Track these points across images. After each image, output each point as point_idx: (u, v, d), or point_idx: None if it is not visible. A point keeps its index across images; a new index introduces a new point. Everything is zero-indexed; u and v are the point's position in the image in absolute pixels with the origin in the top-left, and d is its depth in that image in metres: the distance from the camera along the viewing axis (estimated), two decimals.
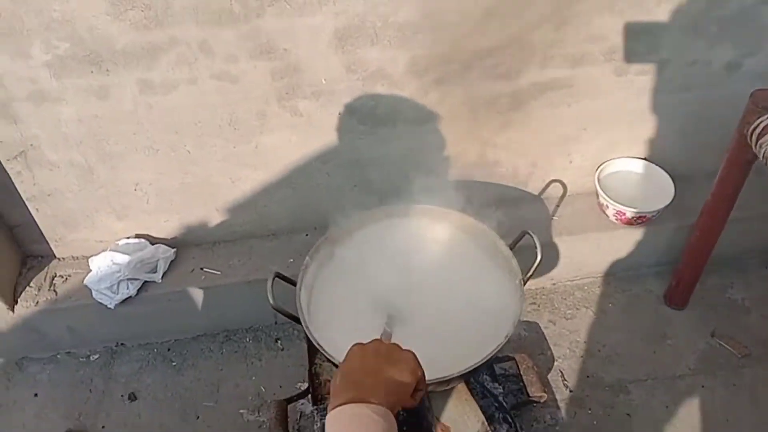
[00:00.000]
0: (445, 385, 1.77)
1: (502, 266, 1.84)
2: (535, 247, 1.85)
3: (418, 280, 1.81)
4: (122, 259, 2.27)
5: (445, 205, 1.96)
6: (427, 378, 1.23)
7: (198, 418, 2.30)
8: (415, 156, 2.36)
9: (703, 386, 2.35)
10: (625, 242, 2.59)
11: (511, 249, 1.90)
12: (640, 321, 2.57)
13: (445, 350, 1.62)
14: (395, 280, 1.77)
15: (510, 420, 2.10)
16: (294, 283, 1.77)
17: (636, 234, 2.55)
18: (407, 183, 1.96)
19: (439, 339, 1.67)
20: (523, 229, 1.91)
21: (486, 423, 1.86)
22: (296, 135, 2.18)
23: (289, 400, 1.95)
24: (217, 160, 2.21)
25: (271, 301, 1.68)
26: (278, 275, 1.82)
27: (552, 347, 2.50)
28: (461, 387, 1.88)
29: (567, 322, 2.59)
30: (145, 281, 2.34)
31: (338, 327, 1.69)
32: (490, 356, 1.61)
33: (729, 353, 2.41)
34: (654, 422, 2.23)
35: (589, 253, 2.58)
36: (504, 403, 2.15)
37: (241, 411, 2.30)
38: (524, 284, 1.82)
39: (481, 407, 1.92)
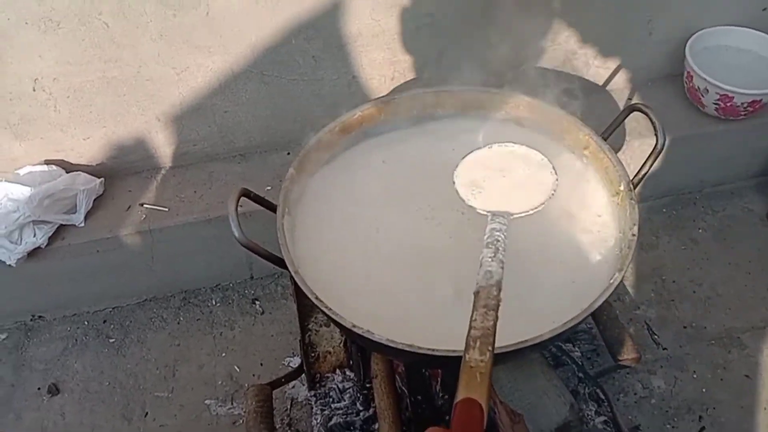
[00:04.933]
0: (516, 356, 1.19)
1: (590, 168, 1.32)
2: (654, 129, 1.21)
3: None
4: (22, 192, 1.67)
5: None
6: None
7: (146, 414, 1.76)
8: (440, 28, 1.68)
9: None
10: (723, 143, 1.98)
11: (604, 139, 1.32)
12: (742, 249, 2.01)
13: (516, 303, 1.04)
14: (431, 201, 1.29)
15: (601, 395, 1.48)
16: (273, 208, 1.23)
17: (739, 131, 1.95)
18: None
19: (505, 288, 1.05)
20: (632, 105, 1.25)
21: (576, 404, 1.30)
22: None
23: (275, 384, 1.45)
24: (150, 38, 1.60)
25: (236, 234, 1.13)
26: (247, 194, 1.22)
27: (630, 290, 1.92)
28: (535, 355, 1.36)
29: (647, 256, 1.98)
30: (61, 225, 1.78)
31: (344, 271, 1.20)
32: (594, 306, 1.04)
33: None
34: None
35: (673, 161, 1.94)
36: (588, 372, 1.51)
37: (208, 402, 1.77)
38: (635, 187, 1.22)
39: (564, 381, 1.35)
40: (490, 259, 0.95)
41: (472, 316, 0.87)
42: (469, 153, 1.17)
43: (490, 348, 0.82)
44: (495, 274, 0.92)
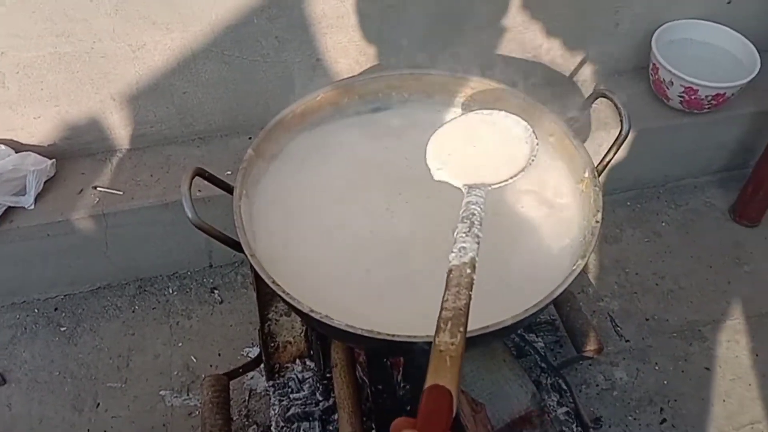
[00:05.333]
0: (477, 344, 1.18)
1: (554, 155, 1.28)
2: (620, 115, 1.19)
3: (426, 186, 1.16)
4: None
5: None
6: None
7: (98, 405, 1.69)
8: (407, 11, 1.66)
9: None
10: (687, 136, 1.98)
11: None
12: (704, 243, 2.01)
13: (477, 288, 0.99)
14: (395, 184, 1.24)
15: (564, 386, 1.47)
16: (230, 190, 1.19)
17: (703, 124, 1.94)
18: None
19: None
20: (597, 91, 1.24)
21: (537, 394, 1.29)
22: None
23: (232, 374, 1.42)
24: (104, 12, 1.53)
25: (190, 214, 1.07)
26: (201, 173, 1.16)
27: (593, 282, 1.91)
28: (498, 345, 1.35)
29: (610, 248, 1.97)
30: (9, 207, 1.70)
31: (303, 258, 1.15)
32: (557, 292, 1.00)
33: None
34: (743, 376, 1.73)
35: (637, 153, 1.93)
36: (551, 363, 1.50)
37: (163, 392, 1.71)
38: (599, 175, 1.19)
39: (526, 371, 1.34)
40: (464, 235, 0.89)
41: (443, 296, 0.81)
42: (441, 125, 1.10)
43: (461, 329, 0.77)
44: (469, 251, 0.87)
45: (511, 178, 1.00)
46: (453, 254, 0.87)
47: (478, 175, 1.01)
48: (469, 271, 0.84)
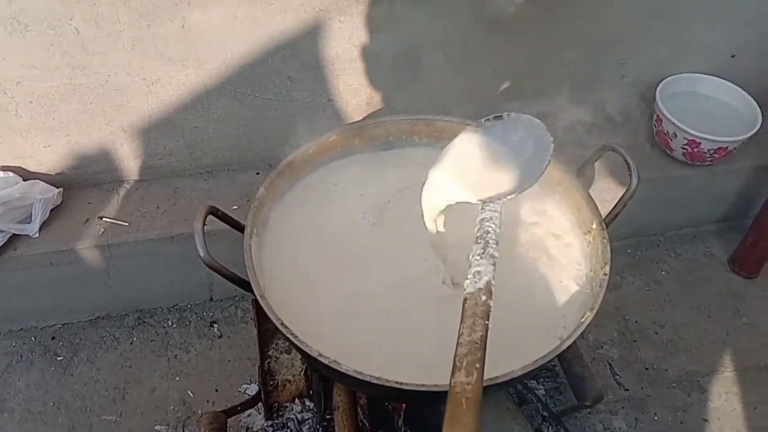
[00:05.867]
0: (484, 395, 1.17)
1: (562, 205, 1.30)
2: (629, 170, 1.22)
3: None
4: None
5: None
6: None
7: None
8: (415, 56, 1.69)
9: None
10: (688, 187, 2.00)
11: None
12: (703, 293, 2.02)
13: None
14: (400, 222, 1.26)
15: None
16: (240, 228, 1.20)
17: (704, 176, 1.97)
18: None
19: None
20: (607, 145, 1.26)
21: None
22: (244, 9, 1.53)
23: (230, 412, 1.40)
24: (122, 47, 1.55)
25: (202, 253, 1.08)
26: (214, 212, 1.18)
27: (594, 329, 1.90)
28: (502, 393, 1.34)
29: (610, 295, 1.96)
30: (14, 234, 1.70)
31: (310, 297, 1.16)
32: (566, 344, 1.04)
33: None
34: (741, 429, 1.72)
35: (638, 203, 1.90)
36: (552, 411, 1.49)
37: (158, 427, 1.68)
38: (607, 227, 1.22)
39: (528, 419, 1.33)
40: (479, 257, 0.82)
41: (459, 329, 0.75)
42: (447, 147, 1.07)
43: (477, 366, 0.70)
44: (484, 274, 0.79)
45: (529, 184, 0.95)
46: (468, 280, 0.81)
47: (492, 188, 0.96)
48: (484, 297, 0.78)
